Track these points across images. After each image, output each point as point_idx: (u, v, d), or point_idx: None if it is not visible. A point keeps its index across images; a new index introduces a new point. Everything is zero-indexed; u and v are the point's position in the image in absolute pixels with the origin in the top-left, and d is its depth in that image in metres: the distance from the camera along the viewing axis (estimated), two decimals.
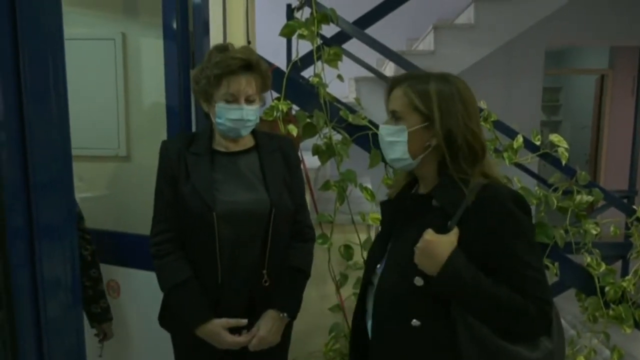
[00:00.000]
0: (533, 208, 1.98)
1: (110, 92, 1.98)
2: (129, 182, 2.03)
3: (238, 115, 1.37)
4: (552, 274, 1.94)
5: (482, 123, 1.26)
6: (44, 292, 0.77)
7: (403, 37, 4.71)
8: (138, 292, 1.81)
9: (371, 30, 3.00)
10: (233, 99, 1.37)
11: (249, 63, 1.37)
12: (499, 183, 1.09)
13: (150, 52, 1.93)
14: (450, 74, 1.14)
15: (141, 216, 1.87)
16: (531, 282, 1.02)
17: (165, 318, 1.49)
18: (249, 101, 1.39)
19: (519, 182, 1.99)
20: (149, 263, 1.45)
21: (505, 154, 2.02)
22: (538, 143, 2.16)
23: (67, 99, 0.80)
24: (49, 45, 0.77)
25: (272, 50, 2.63)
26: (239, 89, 1.36)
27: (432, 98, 1.08)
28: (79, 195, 1.89)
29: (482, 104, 1.93)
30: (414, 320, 1.06)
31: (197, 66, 1.46)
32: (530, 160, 2.19)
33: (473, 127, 1.08)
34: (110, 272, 1.84)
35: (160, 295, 1.47)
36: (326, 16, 1.97)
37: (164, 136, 1.76)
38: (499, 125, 2.17)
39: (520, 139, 2.06)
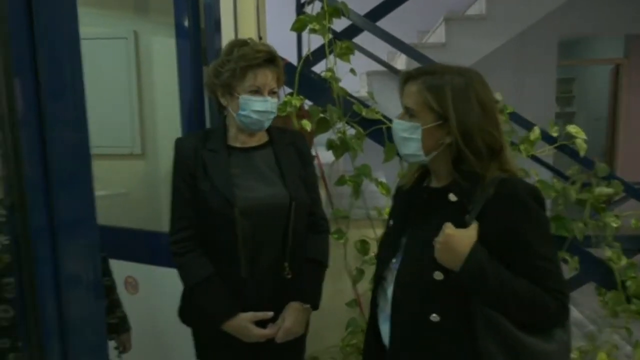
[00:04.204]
0: (550, 201, 1.95)
1: (124, 90, 1.99)
2: (145, 179, 2.04)
3: (263, 107, 1.38)
4: (572, 268, 1.91)
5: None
6: (67, 288, 0.77)
7: (413, 30, 4.68)
8: (155, 288, 1.83)
9: (380, 24, 2.98)
10: (258, 91, 1.38)
11: (272, 56, 1.39)
12: (516, 177, 1.08)
13: (162, 49, 1.93)
14: (467, 67, 1.12)
15: (156, 213, 1.88)
16: (549, 275, 1.03)
17: (186, 313, 1.50)
18: (271, 93, 1.41)
19: (537, 175, 1.97)
20: (165, 259, 1.45)
21: (521, 147, 1.99)
22: (555, 135, 2.13)
23: (84, 98, 0.80)
24: (66, 45, 0.77)
25: (282, 46, 2.63)
26: (265, 82, 1.38)
27: (447, 97, 1.06)
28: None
29: (498, 96, 1.90)
30: (433, 315, 1.06)
31: (213, 61, 1.46)
32: (547, 152, 2.16)
33: (489, 127, 1.07)
34: (127, 268, 1.86)
35: (178, 291, 1.47)
36: (337, 10, 1.95)
37: (178, 133, 1.76)
38: (514, 117, 2.15)
39: (537, 130, 2.03)
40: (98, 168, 0.83)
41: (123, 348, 1.60)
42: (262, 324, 1.40)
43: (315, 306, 1.47)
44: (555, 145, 2.15)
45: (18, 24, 0.70)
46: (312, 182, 1.52)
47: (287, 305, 1.43)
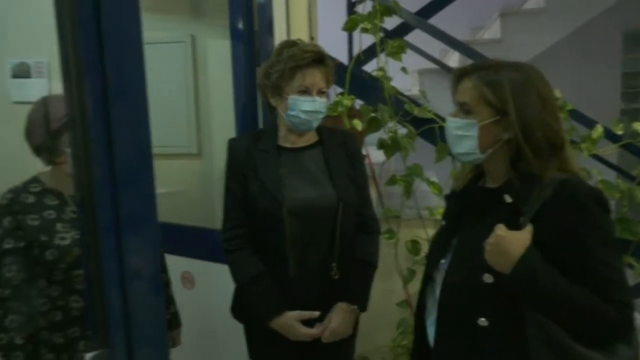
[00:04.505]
0: (614, 202, 1.86)
1: (182, 91, 2.06)
2: (200, 178, 2.11)
3: (311, 107, 1.40)
4: (638, 274, 1.81)
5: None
6: (130, 281, 0.82)
7: (467, 27, 4.56)
8: (211, 283, 1.89)
9: (433, 21, 2.93)
10: (306, 91, 1.40)
11: (321, 56, 1.40)
12: (577, 178, 1.03)
13: (218, 52, 1.99)
14: (523, 62, 1.09)
15: (211, 210, 1.93)
16: (611, 284, 0.96)
17: (238, 310, 1.54)
18: (320, 93, 1.42)
19: (599, 174, 1.88)
20: (220, 256, 1.49)
21: (583, 145, 1.90)
22: (620, 132, 2.02)
23: (147, 100, 0.84)
24: (131, 50, 0.81)
25: (334, 46, 2.64)
26: (313, 82, 1.40)
27: (506, 90, 1.02)
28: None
29: (557, 93, 1.82)
30: (481, 319, 1.02)
31: (264, 63, 1.49)
32: (611, 151, 2.05)
33: (550, 120, 1.03)
34: (184, 264, 1.93)
35: (233, 287, 1.51)
36: (389, 8, 1.94)
37: (232, 133, 1.81)
38: (575, 115, 2.06)
39: (599, 128, 1.93)
40: (157, 167, 0.87)
41: (172, 343, 1.64)
42: (310, 323, 1.42)
43: (362, 307, 1.47)
44: (620, 143, 2.04)
45: (88, 30, 0.75)
46: (362, 183, 1.52)
47: (335, 306, 1.43)
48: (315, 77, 1.39)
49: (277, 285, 1.41)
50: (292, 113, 1.40)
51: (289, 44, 1.43)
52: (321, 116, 1.44)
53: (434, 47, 3.54)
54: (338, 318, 1.42)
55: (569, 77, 4.37)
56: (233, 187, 1.45)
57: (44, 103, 1.26)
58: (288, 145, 1.48)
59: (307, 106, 1.39)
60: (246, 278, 1.42)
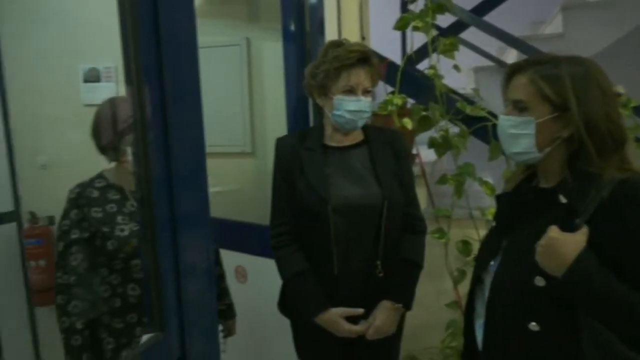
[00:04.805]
0: None
1: (237, 93, 2.14)
2: (254, 176, 2.17)
3: (356, 106, 1.41)
4: None
5: (621, 110, 1.12)
6: (184, 271, 0.87)
7: (527, 21, 4.39)
8: (263, 278, 1.94)
9: (492, 16, 2.85)
10: (351, 91, 1.41)
11: (365, 56, 1.41)
12: (638, 177, 0.98)
13: (271, 54, 2.05)
14: (581, 56, 1.05)
15: (265, 207, 1.99)
16: None
17: (284, 305, 1.58)
18: (365, 92, 1.43)
19: None
20: (271, 251, 1.54)
21: None
22: None
23: (201, 105, 0.89)
24: (186, 55, 0.87)
25: (386, 45, 2.63)
26: (358, 81, 1.41)
27: (566, 84, 0.99)
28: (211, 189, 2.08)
29: (620, 89, 1.74)
30: (532, 324, 1.00)
31: (310, 63, 1.52)
32: None
33: (613, 115, 0.99)
34: (238, 258, 2.00)
35: (280, 282, 1.55)
36: (441, 6, 1.92)
37: (284, 133, 1.86)
38: None
39: None
40: (214, 166, 0.92)
41: (228, 332, 1.70)
42: (354, 320, 1.43)
43: (407, 306, 1.47)
44: None
45: (147, 37, 0.80)
46: (408, 182, 1.51)
47: (379, 304, 1.44)
48: (360, 76, 1.41)
49: (322, 282, 1.43)
50: (338, 113, 1.42)
51: (335, 44, 1.45)
52: (366, 115, 1.45)
53: (491, 44, 3.44)
54: (382, 316, 1.43)
55: (635, 73, 4.10)
56: (280, 185, 1.49)
57: (110, 105, 1.34)
58: (334, 144, 1.50)
59: (352, 106, 1.41)
60: (291, 274, 1.45)
